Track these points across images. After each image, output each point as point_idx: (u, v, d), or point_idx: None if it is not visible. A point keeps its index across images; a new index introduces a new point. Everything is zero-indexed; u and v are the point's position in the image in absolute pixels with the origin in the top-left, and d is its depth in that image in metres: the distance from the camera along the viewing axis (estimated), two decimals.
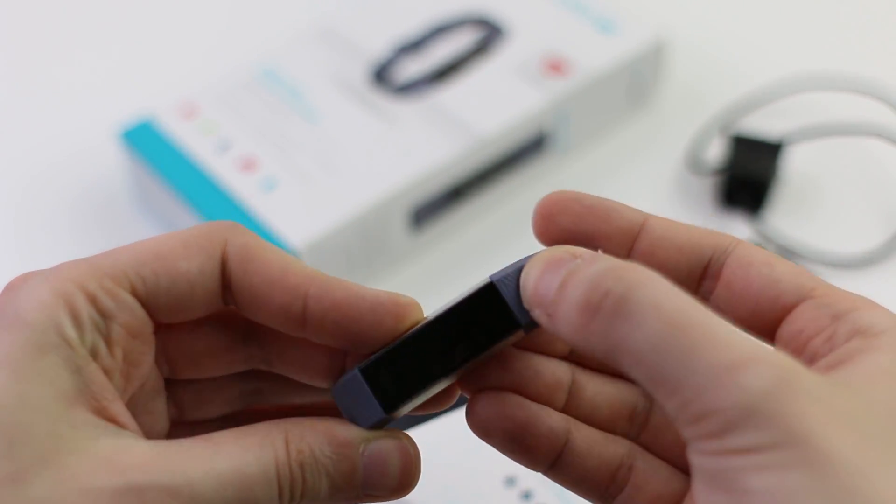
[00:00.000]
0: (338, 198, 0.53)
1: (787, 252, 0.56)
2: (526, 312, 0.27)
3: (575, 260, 0.27)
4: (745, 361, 0.24)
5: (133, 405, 0.29)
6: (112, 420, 0.27)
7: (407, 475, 0.29)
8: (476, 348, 0.28)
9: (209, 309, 0.30)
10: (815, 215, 0.59)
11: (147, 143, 0.56)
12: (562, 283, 0.26)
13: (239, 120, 0.57)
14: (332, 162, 0.54)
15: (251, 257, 0.29)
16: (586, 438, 0.31)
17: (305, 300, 0.29)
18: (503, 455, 0.31)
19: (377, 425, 0.29)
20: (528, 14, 0.61)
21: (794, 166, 0.60)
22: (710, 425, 0.24)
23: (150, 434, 0.30)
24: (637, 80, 0.61)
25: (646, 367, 0.25)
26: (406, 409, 0.29)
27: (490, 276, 0.28)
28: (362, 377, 0.29)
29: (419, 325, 0.29)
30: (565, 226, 0.29)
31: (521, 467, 0.31)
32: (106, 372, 0.27)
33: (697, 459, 0.25)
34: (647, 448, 0.32)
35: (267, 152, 0.55)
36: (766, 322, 0.29)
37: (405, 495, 0.29)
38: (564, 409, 0.31)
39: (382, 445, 0.29)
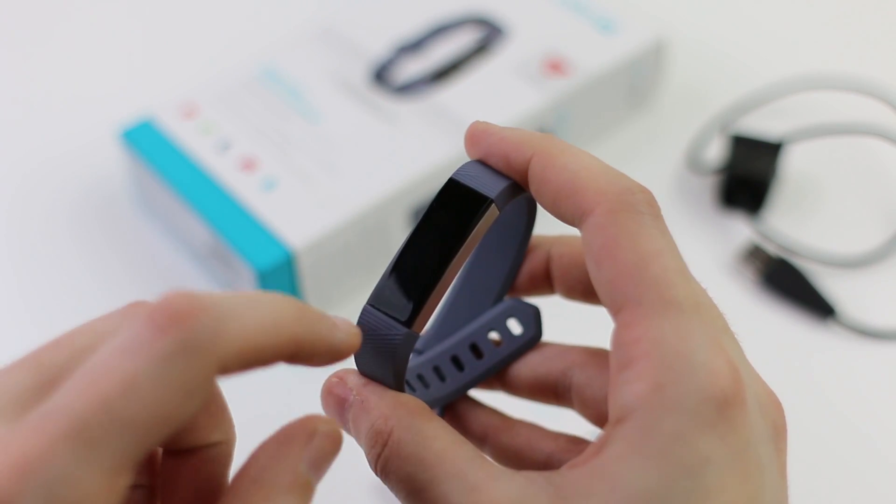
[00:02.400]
0: (338, 198, 0.53)
1: (787, 251, 0.56)
2: (489, 188, 0.29)
3: None
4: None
5: None
6: None
7: None
8: (461, 233, 0.29)
9: None
10: (815, 215, 0.59)
11: (147, 143, 0.56)
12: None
13: (239, 120, 0.57)
14: (332, 162, 0.54)
15: None
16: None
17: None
18: None
19: (405, 348, 0.29)
20: (528, 14, 0.61)
21: (794, 166, 0.60)
22: None
23: None
24: (637, 80, 0.61)
25: None
26: (424, 319, 0.29)
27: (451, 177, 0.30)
28: (374, 308, 0.29)
29: (405, 241, 0.29)
30: (479, 154, 0.31)
31: None
32: None
33: None
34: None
35: (267, 152, 0.55)
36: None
37: None
38: None
39: None
